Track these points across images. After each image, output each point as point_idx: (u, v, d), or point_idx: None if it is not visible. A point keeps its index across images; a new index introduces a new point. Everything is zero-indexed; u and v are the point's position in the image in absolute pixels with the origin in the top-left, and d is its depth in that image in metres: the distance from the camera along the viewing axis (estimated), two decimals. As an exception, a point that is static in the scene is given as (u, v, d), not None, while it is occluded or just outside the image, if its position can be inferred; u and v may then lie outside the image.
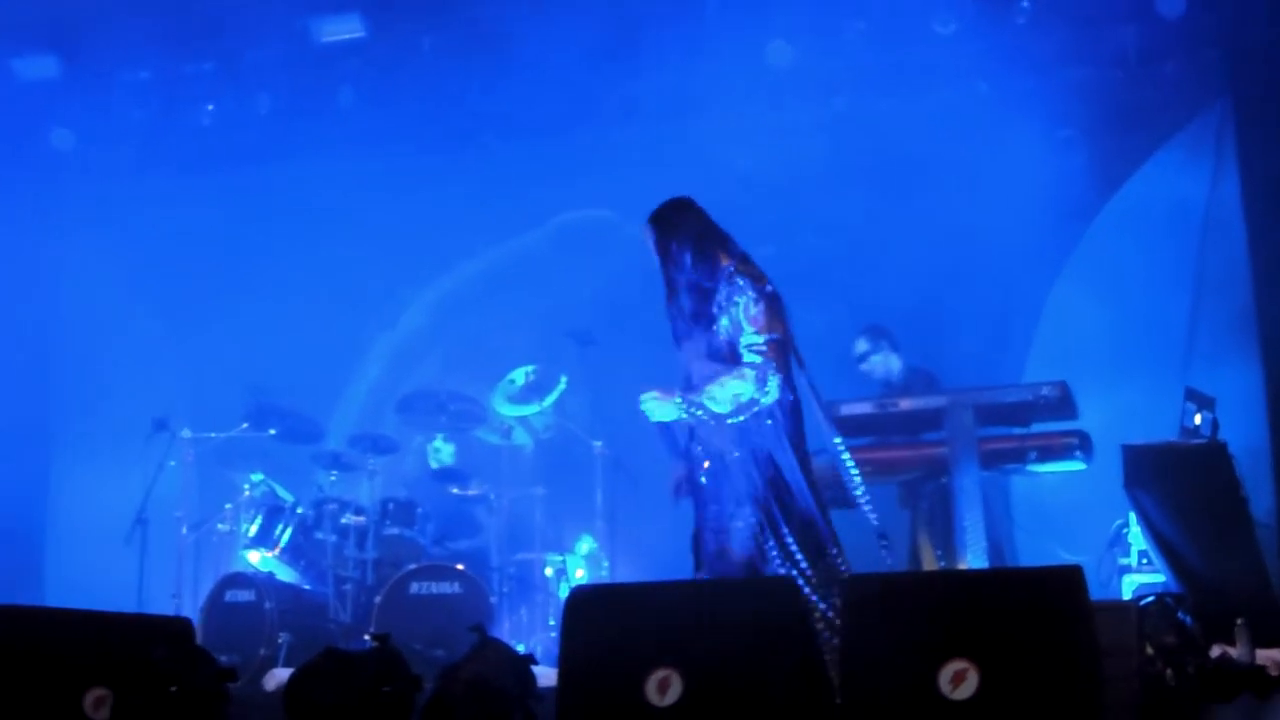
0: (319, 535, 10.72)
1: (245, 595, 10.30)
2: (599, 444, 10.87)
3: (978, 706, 5.12)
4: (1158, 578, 9.15)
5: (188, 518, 11.14)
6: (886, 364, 10.75)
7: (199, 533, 11.27)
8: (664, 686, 5.51)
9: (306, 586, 10.79)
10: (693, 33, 11.63)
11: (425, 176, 13.11)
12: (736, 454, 7.28)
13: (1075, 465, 9.60)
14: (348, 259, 13.09)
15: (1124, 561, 9.80)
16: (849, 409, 9.82)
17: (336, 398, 13.40)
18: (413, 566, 10.29)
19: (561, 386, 11.43)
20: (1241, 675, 6.21)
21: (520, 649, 6.49)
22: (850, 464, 7.55)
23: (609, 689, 5.63)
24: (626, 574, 10.66)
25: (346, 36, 12.27)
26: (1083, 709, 5.01)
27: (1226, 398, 9.30)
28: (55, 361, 14.02)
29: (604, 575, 10.70)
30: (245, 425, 11.29)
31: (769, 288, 7.35)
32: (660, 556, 9.21)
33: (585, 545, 11.16)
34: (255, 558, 10.83)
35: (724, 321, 7.27)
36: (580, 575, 10.91)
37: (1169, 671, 5.81)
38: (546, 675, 6.22)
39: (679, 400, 7.29)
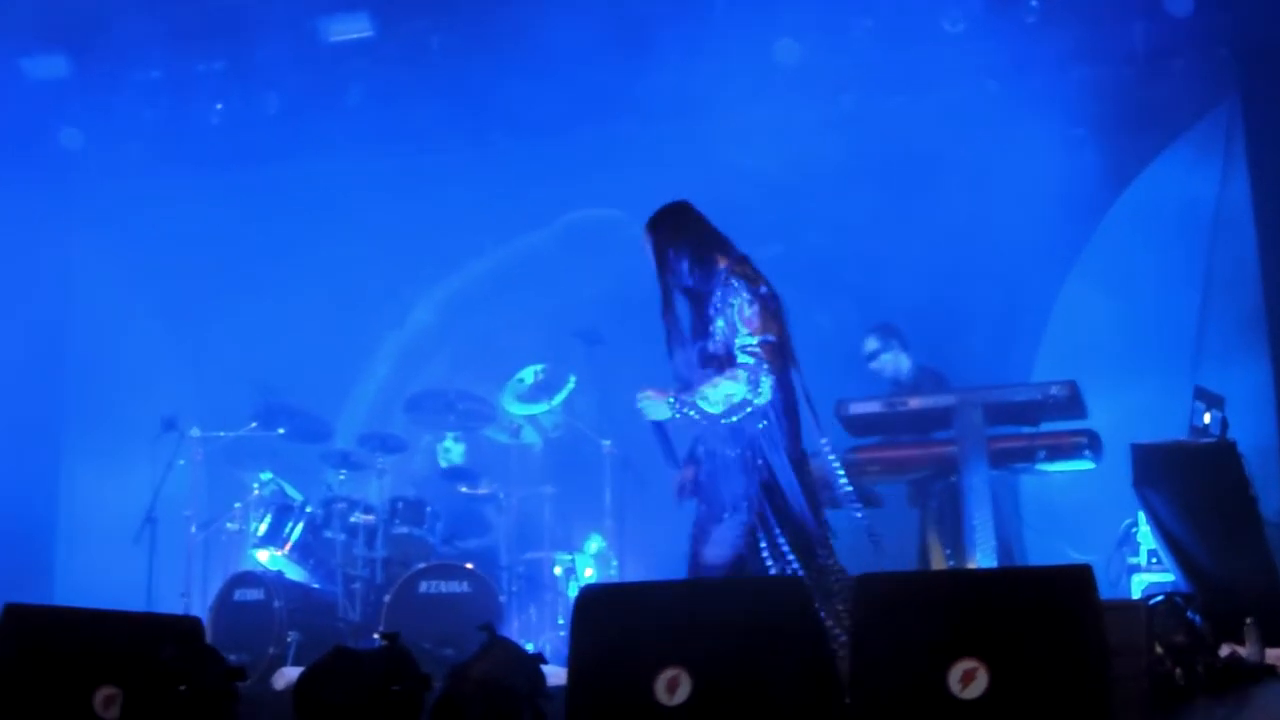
0: (328, 534, 10.73)
1: (254, 594, 10.30)
2: (608, 443, 10.86)
3: (987, 706, 5.12)
4: (1167, 577, 9.15)
5: (197, 517, 11.15)
6: (896, 363, 10.75)
7: (208, 532, 11.28)
8: (673, 686, 5.51)
9: (315, 585, 10.80)
10: (700, 31, 11.63)
11: (433, 175, 13.13)
12: (730, 455, 7.32)
13: (1084, 464, 9.61)
14: (357, 258, 13.10)
15: (1133, 561, 9.80)
16: (858, 408, 9.82)
17: (345, 396, 13.42)
18: (422, 565, 10.30)
19: (570, 385, 11.42)
20: (1251, 674, 6.22)
21: (529, 648, 6.49)
22: (838, 465, 7.55)
23: (618, 688, 5.63)
24: (635, 573, 10.66)
25: (355, 36, 12.27)
26: (1092, 708, 5.00)
27: (1236, 397, 9.30)
28: (64, 360, 14.02)
29: (613, 574, 10.70)
30: (254, 424, 11.29)
31: (764, 289, 7.37)
32: (669, 556, 9.18)
33: (594, 544, 11.15)
34: (264, 556, 10.84)
35: (719, 323, 7.30)
36: (589, 574, 10.90)
37: (1178, 671, 5.81)
38: (556, 674, 6.23)
39: (672, 400, 7.33)
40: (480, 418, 11.65)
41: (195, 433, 11.21)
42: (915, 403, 9.80)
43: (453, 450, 11.77)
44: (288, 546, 10.74)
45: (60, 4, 11.74)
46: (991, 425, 9.55)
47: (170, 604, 10.73)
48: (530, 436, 11.75)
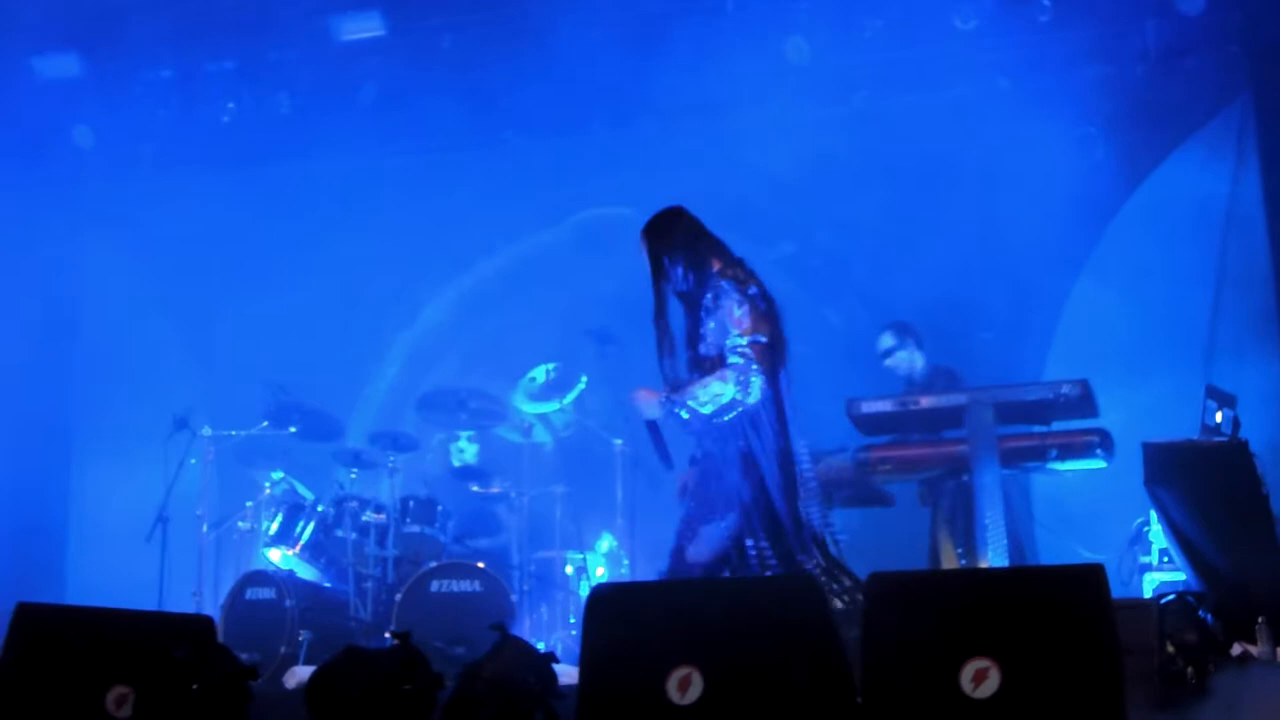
0: (339, 533, 10.73)
1: (266, 593, 10.30)
2: (619, 442, 10.87)
3: (999, 705, 5.11)
4: (1179, 576, 9.13)
5: (208, 516, 11.16)
6: (911, 361, 10.75)
7: (219, 531, 11.29)
8: (685, 685, 5.51)
9: (327, 584, 10.80)
10: (712, 31, 11.65)
11: (445, 174, 13.15)
12: (721, 455, 7.38)
13: (1096, 463, 9.58)
14: (368, 256, 13.13)
15: (1145, 559, 9.78)
16: (869, 407, 9.81)
17: (357, 395, 13.43)
18: (433, 564, 10.29)
19: (582, 385, 11.44)
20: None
21: (541, 647, 6.49)
22: (809, 473, 7.57)
23: (630, 687, 5.63)
24: (647, 572, 10.63)
25: (367, 35, 12.30)
26: (1104, 707, 5.00)
27: (1248, 395, 9.29)
28: (76, 359, 14.06)
29: (624, 573, 10.70)
30: (265, 423, 11.29)
31: (753, 290, 7.45)
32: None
33: (605, 543, 11.16)
34: (276, 555, 10.85)
35: (711, 325, 7.36)
36: (600, 573, 10.91)
37: (1190, 670, 5.80)
38: (567, 673, 6.22)
39: (663, 399, 7.38)
40: (492, 416, 11.66)
41: (207, 431, 11.22)
42: (926, 402, 9.78)
43: (466, 450, 11.77)
44: (299, 545, 10.75)
45: (72, 4, 11.79)
46: (1003, 424, 9.53)
47: (182, 603, 10.74)
48: (541, 435, 11.75)
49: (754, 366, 7.26)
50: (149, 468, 11.42)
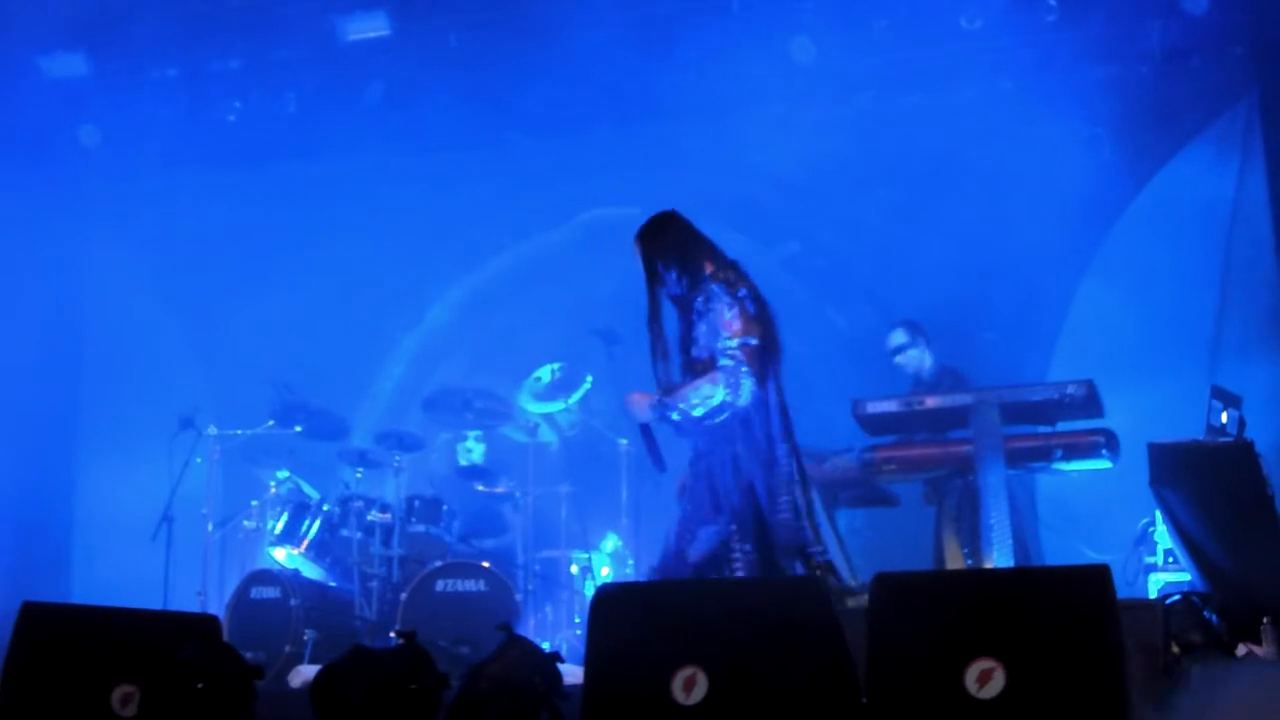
0: (345, 532, 10.73)
1: (271, 592, 10.30)
2: (624, 442, 10.87)
3: (1004, 705, 5.12)
4: (1184, 576, 9.14)
5: (213, 515, 11.17)
6: (920, 360, 10.76)
7: (225, 530, 11.31)
8: (689, 685, 5.52)
9: (332, 583, 10.81)
10: (718, 30, 11.65)
11: (451, 174, 13.16)
12: (714, 457, 7.42)
13: (1101, 463, 9.58)
14: (373, 256, 13.13)
15: (1150, 560, 9.79)
16: (874, 407, 9.81)
17: (362, 395, 13.43)
18: (438, 564, 10.30)
19: (587, 384, 11.44)
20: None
21: (546, 647, 6.49)
22: (791, 476, 7.60)
23: (635, 687, 5.64)
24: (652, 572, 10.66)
25: (372, 35, 12.30)
26: (1109, 708, 5.00)
27: (1253, 395, 9.30)
28: (81, 358, 14.06)
29: (629, 573, 10.70)
30: (271, 422, 11.30)
31: (743, 292, 7.51)
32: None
33: (610, 543, 11.15)
34: (281, 555, 10.86)
35: (702, 328, 7.41)
36: (605, 573, 10.91)
37: (1195, 671, 5.80)
38: (572, 673, 6.23)
39: (654, 402, 7.43)
40: (497, 416, 11.65)
41: (212, 431, 11.24)
42: (932, 402, 9.78)
43: (474, 449, 11.76)
44: (304, 545, 10.76)
45: (77, 3, 11.77)
46: (1008, 424, 9.53)
47: (187, 602, 10.74)
48: (547, 435, 11.76)
49: (744, 369, 7.32)
50: (154, 467, 11.45)
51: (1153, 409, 10.27)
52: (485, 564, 10.28)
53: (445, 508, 10.91)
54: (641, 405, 7.60)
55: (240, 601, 10.35)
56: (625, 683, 5.68)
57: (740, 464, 7.39)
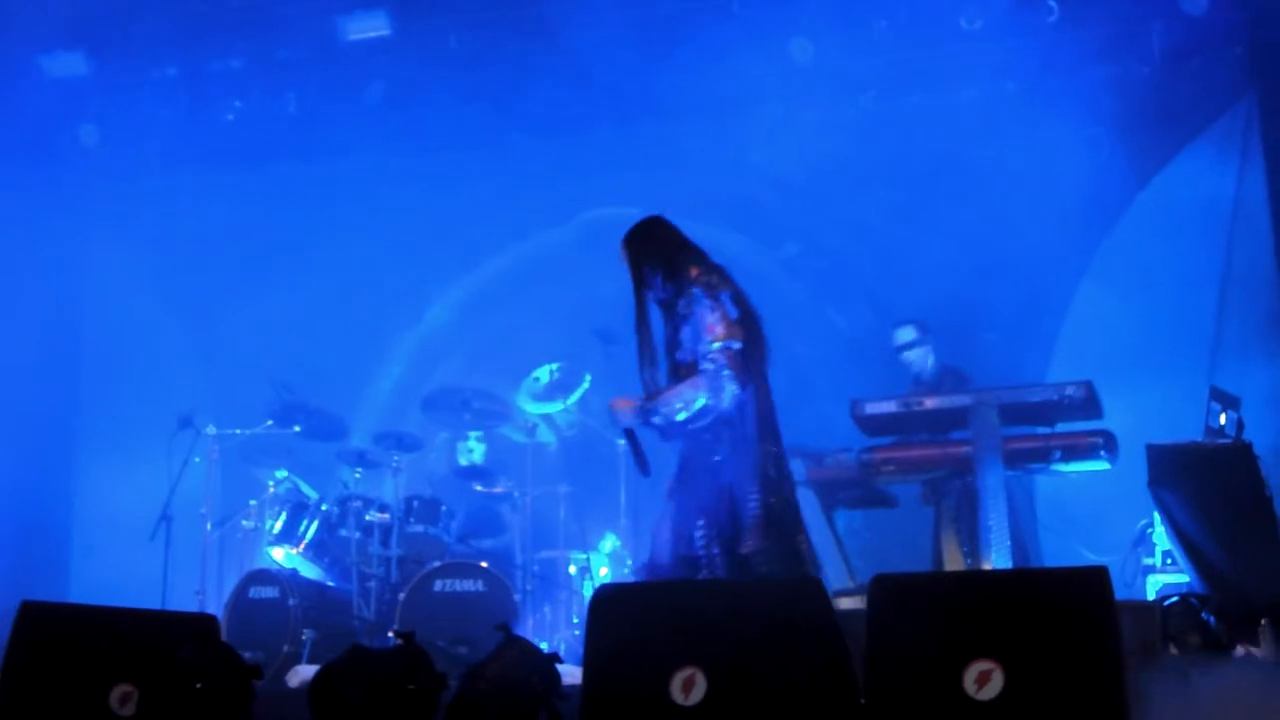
0: (343, 532, 10.72)
1: (269, 592, 10.29)
2: (622, 442, 10.84)
3: (1003, 707, 5.12)
4: (1182, 578, 9.14)
5: (212, 514, 11.16)
6: (925, 359, 10.76)
7: (223, 529, 11.30)
8: (688, 685, 5.52)
9: (330, 583, 10.80)
10: (718, 31, 11.64)
11: (451, 174, 13.16)
12: (696, 460, 7.45)
13: (1100, 465, 9.59)
14: (373, 256, 13.14)
15: (1148, 561, 9.80)
16: (873, 408, 9.83)
17: (361, 395, 13.43)
18: (436, 564, 10.29)
19: (585, 384, 11.44)
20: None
21: (544, 647, 6.49)
22: (774, 479, 7.62)
23: (633, 688, 5.64)
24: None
25: (373, 34, 12.30)
26: (1108, 709, 5.00)
27: (1252, 397, 9.31)
28: (81, 358, 14.06)
29: (627, 573, 10.68)
30: (270, 422, 11.29)
31: (725, 295, 7.53)
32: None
33: (609, 543, 11.14)
34: (279, 554, 10.85)
35: (686, 331, 7.45)
36: (604, 573, 10.90)
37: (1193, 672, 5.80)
38: (571, 674, 6.23)
39: (638, 407, 7.48)
40: (496, 416, 11.65)
41: (211, 430, 11.23)
42: (931, 403, 9.79)
43: (475, 449, 11.75)
44: (303, 544, 10.76)
45: (79, 2, 11.77)
46: (1007, 425, 9.55)
47: (185, 601, 10.74)
48: (545, 435, 11.75)
49: (726, 372, 7.37)
50: (153, 466, 11.44)
51: (1151, 410, 10.28)
52: (484, 564, 10.28)
53: (444, 508, 10.90)
54: (625, 410, 7.63)
55: (238, 601, 10.34)
56: (624, 683, 5.68)
57: (721, 468, 7.43)
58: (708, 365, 7.35)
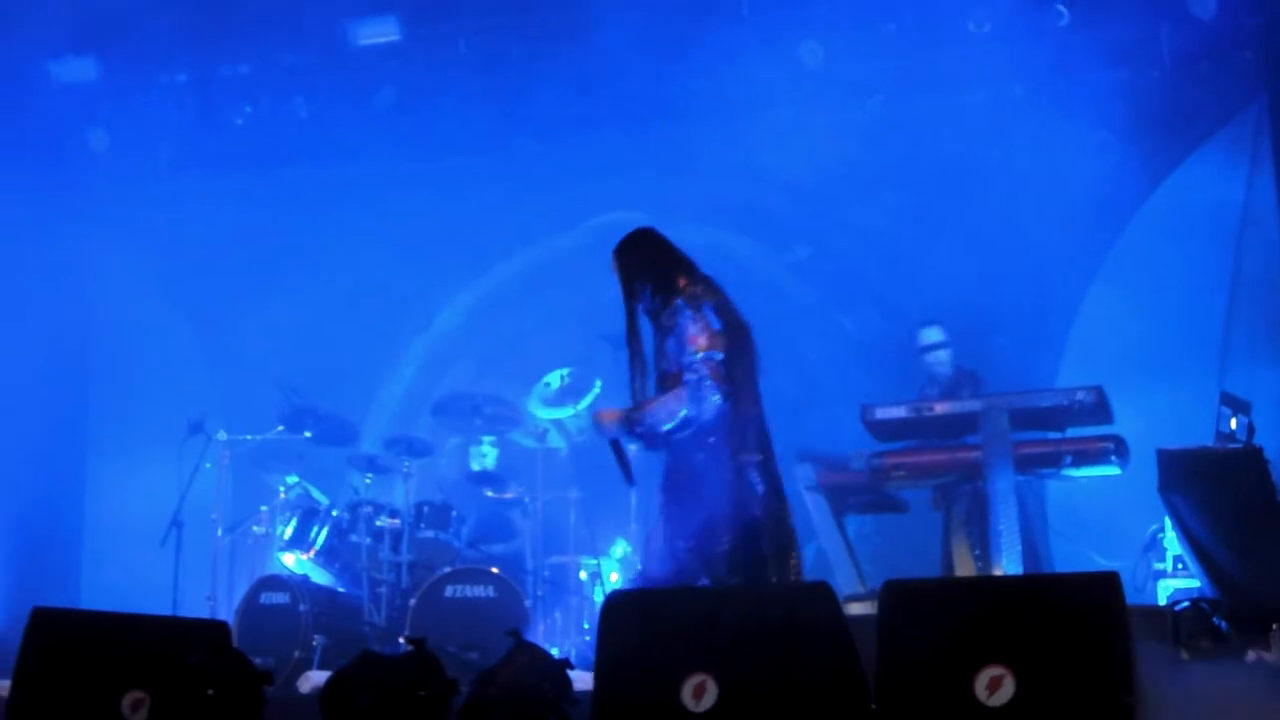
0: (354, 538, 10.73)
1: (280, 598, 10.31)
2: (633, 447, 10.85)
3: (1014, 712, 5.11)
4: (1193, 583, 9.12)
5: (223, 520, 11.17)
6: (950, 360, 10.75)
7: (234, 535, 11.31)
8: (699, 692, 5.52)
9: (341, 589, 10.80)
10: (728, 35, 11.65)
11: (460, 178, 13.17)
12: (681, 470, 7.48)
13: (1110, 470, 9.57)
14: (383, 261, 13.15)
15: (1159, 566, 9.78)
16: (884, 413, 9.80)
17: (371, 400, 13.44)
18: (447, 569, 10.28)
19: (596, 390, 11.44)
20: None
21: (555, 653, 6.50)
22: (762, 489, 7.64)
23: (644, 694, 5.63)
24: (660, 578, 10.66)
25: (382, 40, 12.33)
26: (1119, 715, 4.99)
27: (1262, 401, 9.27)
28: (91, 364, 14.07)
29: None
30: (280, 428, 11.31)
31: (708, 306, 7.52)
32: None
33: (620, 549, 11.14)
34: (290, 560, 10.86)
35: (671, 342, 7.47)
36: (614, 579, 10.90)
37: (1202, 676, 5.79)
38: (582, 679, 6.23)
39: (621, 417, 7.50)
40: (506, 421, 11.65)
41: (222, 436, 11.24)
42: (941, 408, 9.77)
43: (488, 454, 11.78)
44: (313, 550, 10.76)
45: (88, 7, 11.78)
46: (1017, 430, 9.53)
47: (196, 607, 10.76)
48: (556, 440, 11.77)
49: (708, 383, 7.39)
50: (164, 472, 11.44)
51: (1162, 415, 10.27)
52: (494, 570, 10.27)
53: (454, 513, 10.91)
54: (609, 421, 7.66)
55: (249, 607, 10.35)
56: (635, 689, 5.68)
57: (703, 478, 7.44)
58: (690, 376, 7.39)
